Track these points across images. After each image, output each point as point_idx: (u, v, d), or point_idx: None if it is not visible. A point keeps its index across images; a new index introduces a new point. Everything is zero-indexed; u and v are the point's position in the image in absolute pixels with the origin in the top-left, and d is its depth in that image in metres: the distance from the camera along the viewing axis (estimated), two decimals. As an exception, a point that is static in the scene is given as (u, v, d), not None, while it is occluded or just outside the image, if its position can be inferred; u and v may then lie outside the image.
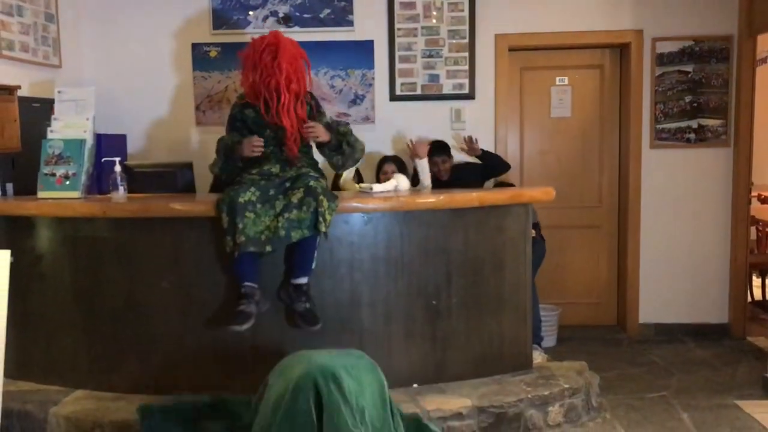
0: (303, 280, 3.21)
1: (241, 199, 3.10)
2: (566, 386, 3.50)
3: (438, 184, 4.47)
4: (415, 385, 3.48)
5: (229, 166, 3.50)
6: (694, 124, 4.90)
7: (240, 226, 3.06)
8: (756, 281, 5.80)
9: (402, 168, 4.49)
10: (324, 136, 3.44)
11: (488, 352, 3.60)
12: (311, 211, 3.09)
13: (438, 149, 4.57)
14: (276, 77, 3.34)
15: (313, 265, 3.22)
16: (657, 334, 4.97)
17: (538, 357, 4.03)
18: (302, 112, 3.44)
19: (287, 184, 3.26)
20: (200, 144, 4.80)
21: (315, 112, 3.58)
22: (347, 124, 3.63)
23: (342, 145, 3.51)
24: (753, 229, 5.68)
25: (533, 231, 4.07)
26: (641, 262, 4.98)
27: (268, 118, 3.41)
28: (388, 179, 3.88)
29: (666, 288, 4.99)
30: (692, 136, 4.90)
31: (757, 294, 5.78)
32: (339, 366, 2.31)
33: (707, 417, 3.58)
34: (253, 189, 3.16)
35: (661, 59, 4.88)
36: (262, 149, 3.38)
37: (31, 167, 3.74)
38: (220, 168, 3.54)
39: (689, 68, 4.87)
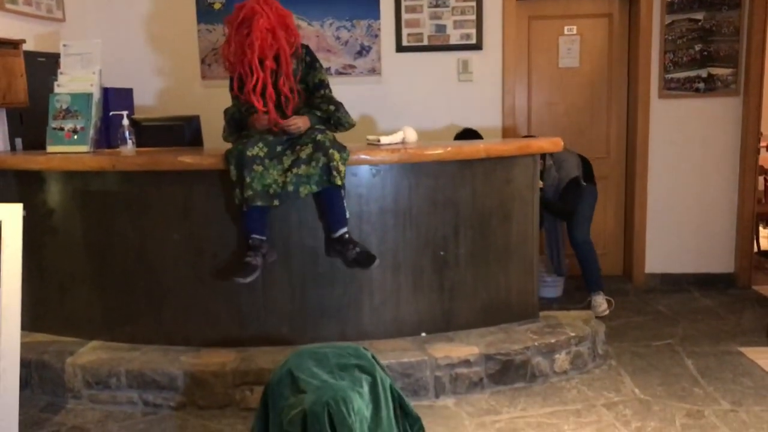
0: (343, 230, 3.24)
1: (249, 153, 3.11)
2: (572, 334, 3.56)
3: None
4: (423, 334, 3.54)
5: (239, 130, 3.44)
6: (703, 73, 4.84)
7: (248, 179, 3.07)
8: (763, 231, 5.82)
9: None
10: (304, 125, 3.28)
11: (495, 302, 3.65)
12: (320, 166, 3.09)
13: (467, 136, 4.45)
14: (248, 56, 3.22)
15: (347, 215, 3.25)
16: (663, 284, 5.00)
17: (603, 302, 4.46)
18: (286, 86, 3.31)
19: (294, 139, 3.25)
20: (206, 97, 4.78)
21: (308, 68, 3.45)
22: (337, 106, 3.45)
23: (330, 119, 3.43)
24: (760, 180, 5.67)
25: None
26: (648, 212, 4.99)
27: (241, 96, 3.30)
28: None
29: (673, 238, 5.00)
30: (701, 85, 4.86)
31: (764, 244, 5.81)
32: (347, 388, 2.27)
33: (711, 363, 3.64)
34: (261, 144, 3.16)
35: (671, 7, 4.80)
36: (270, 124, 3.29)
37: (39, 122, 3.75)
38: (235, 138, 3.44)
39: (699, 16, 4.79)
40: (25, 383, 3.35)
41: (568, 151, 4.38)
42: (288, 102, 3.35)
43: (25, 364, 3.27)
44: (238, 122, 3.43)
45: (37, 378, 3.40)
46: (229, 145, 3.32)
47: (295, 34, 3.40)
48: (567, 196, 4.35)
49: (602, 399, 3.27)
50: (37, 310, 3.65)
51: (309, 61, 3.47)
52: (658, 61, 4.84)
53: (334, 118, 3.41)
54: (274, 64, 3.29)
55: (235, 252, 3.35)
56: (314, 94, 3.46)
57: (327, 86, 3.48)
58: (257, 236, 3.20)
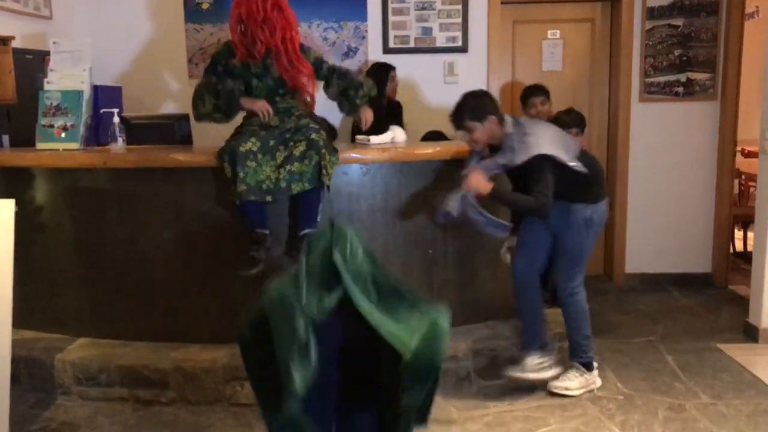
0: (311, 230, 3.25)
1: (242, 148, 3.14)
2: (557, 331, 3.62)
3: None
4: (412, 331, 3.58)
5: (229, 109, 3.45)
6: (682, 77, 4.97)
7: (241, 174, 3.10)
8: (738, 233, 5.95)
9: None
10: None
11: (482, 299, 3.71)
12: (313, 165, 3.13)
13: (537, 91, 4.35)
14: (290, 30, 3.29)
15: (319, 218, 3.26)
16: (643, 284, 5.11)
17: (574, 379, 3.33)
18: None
19: (287, 135, 3.29)
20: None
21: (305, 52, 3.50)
22: (345, 73, 3.55)
23: (348, 91, 3.50)
24: (735, 183, 5.81)
25: None
26: (628, 213, 5.09)
27: (279, 68, 3.32)
28: None
29: (652, 239, 5.11)
30: (680, 89, 4.98)
31: (739, 246, 5.94)
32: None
33: (691, 359, 3.74)
34: (253, 139, 3.20)
35: (651, 13, 4.91)
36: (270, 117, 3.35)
37: (25, 119, 3.75)
38: (214, 107, 3.43)
39: (679, 22, 4.92)
40: (13, 380, 3.33)
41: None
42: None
43: (13, 361, 3.23)
44: (233, 99, 3.40)
45: (26, 375, 3.39)
46: (220, 144, 3.34)
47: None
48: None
49: (587, 393, 3.34)
50: (25, 307, 3.62)
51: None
52: (638, 65, 4.96)
53: (352, 88, 3.51)
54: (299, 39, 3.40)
55: (227, 248, 3.37)
56: (319, 72, 3.50)
57: (325, 60, 3.56)
58: (260, 230, 3.23)
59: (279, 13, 3.27)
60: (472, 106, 3.19)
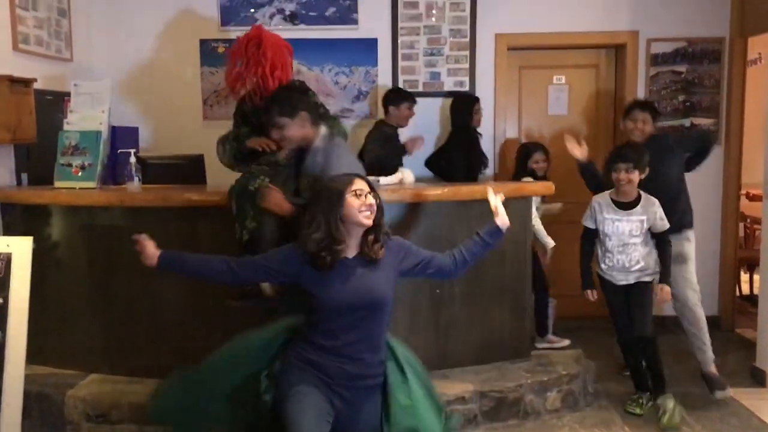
0: None
1: (251, 187, 3.21)
2: (564, 373, 3.65)
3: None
4: (419, 371, 3.60)
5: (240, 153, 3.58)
6: (686, 122, 5.05)
7: (252, 213, 3.16)
8: (744, 276, 5.97)
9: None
10: None
11: (489, 340, 3.74)
12: None
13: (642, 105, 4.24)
14: (262, 66, 3.42)
15: None
16: (649, 326, 5.10)
17: None
18: None
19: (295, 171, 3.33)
20: (207, 137, 4.88)
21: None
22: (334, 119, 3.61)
23: None
24: (741, 226, 5.85)
25: None
26: (634, 256, 5.11)
27: (258, 104, 3.47)
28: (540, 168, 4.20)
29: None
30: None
31: (745, 289, 5.95)
32: None
33: (698, 403, 3.74)
34: (262, 177, 3.27)
35: (655, 59, 5.03)
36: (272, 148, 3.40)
37: (44, 158, 3.84)
38: (233, 156, 3.61)
39: (682, 68, 5.02)
40: (24, 415, 3.35)
41: None
42: None
43: (24, 396, 3.27)
44: (238, 141, 3.57)
45: (37, 410, 3.42)
46: (232, 181, 3.42)
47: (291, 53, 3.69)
48: None
49: (595, 437, 3.36)
50: (37, 343, 3.66)
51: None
52: (643, 110, 5.03)
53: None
54: (282, 74, 3.48)
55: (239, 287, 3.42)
56: None
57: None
58: None
59: (255, 50, 3.43)
60: (281, 99, 2.93)
